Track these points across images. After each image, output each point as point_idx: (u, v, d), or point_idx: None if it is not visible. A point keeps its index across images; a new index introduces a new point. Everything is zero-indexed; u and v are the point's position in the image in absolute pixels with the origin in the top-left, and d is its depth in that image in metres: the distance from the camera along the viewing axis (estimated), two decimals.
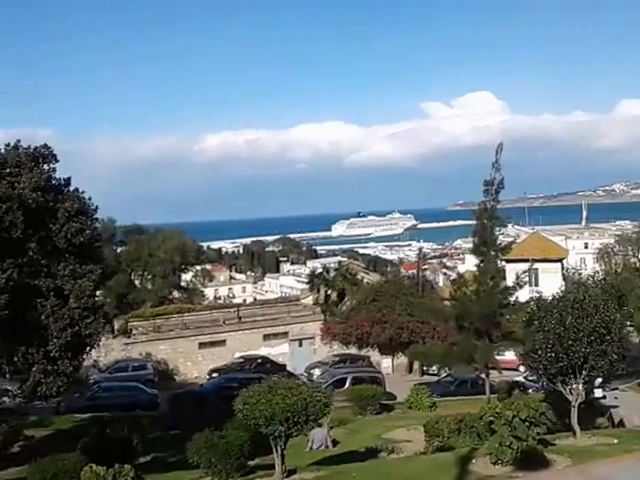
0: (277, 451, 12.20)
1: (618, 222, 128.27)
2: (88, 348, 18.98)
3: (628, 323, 15.37)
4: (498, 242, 20.88)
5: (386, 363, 42.93)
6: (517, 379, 30.59)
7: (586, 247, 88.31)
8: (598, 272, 49.54)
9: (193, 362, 42.63)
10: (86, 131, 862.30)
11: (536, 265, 41.65)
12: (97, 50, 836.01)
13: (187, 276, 67.02)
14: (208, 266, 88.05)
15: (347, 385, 31.91)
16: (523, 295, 21.94)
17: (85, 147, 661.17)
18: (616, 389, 23.93)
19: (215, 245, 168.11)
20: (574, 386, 13.78)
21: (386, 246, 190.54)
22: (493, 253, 20.48)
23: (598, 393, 18.79)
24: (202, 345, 43.06)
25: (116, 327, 44.90)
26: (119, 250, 61.25)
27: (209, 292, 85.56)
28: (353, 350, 42.60)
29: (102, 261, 20.66)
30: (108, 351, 40.28)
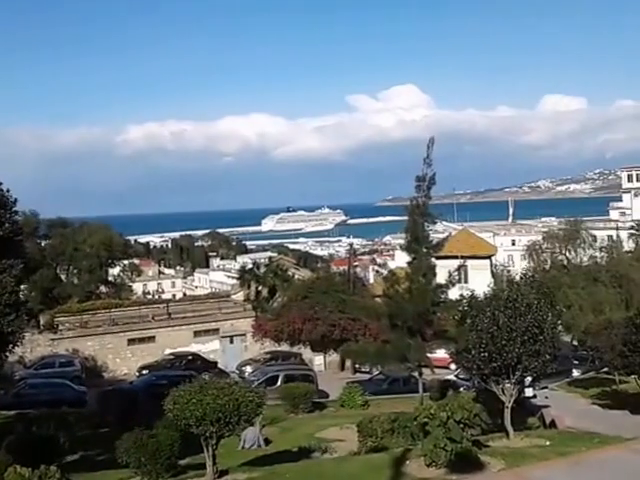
0: (208, 451, 11.82)
1: (544, 219, 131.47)
2: (11, 346, 18.04)
3: (559, 322, 15.60)
4: (430, 239, 20.91)
5: (318, 360, 42.86)
6: (448, 377, 31.05)
7: (513, 244, 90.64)
8: (529, 270, 50.82)
9: (122, 359, 41.46)
10: (3, 119, 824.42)
11: (464, 261, 42.40)
12: (15, 38, 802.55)
13: (114, 271, 65.36)
14: (136, 261, 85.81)
15: (279, 383, 31.55)
16: (453, 292, 22.16)
17: (2, 137, 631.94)
18: (546, 388, 24.52)
19: (143, 239, 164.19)
20: (507, 386, 13.86)
21: (316, 242, 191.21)
22: (425, 250, 20.48)
23: (529, 392, 19.14)
24: (131, 341, 41.97)
25: (42, 322, 43.38)
26: (43, 244, 59.00)
27: (137, 287, 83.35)
28: (285, 347, 42.27)
29: (24, 255, 19.60)
30: (34, 347, 39.03)
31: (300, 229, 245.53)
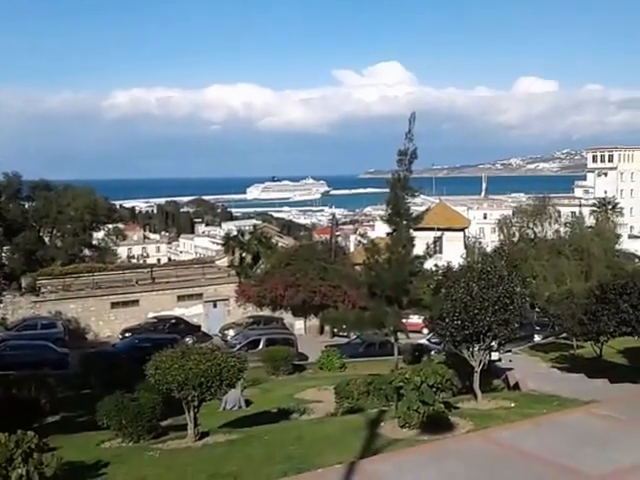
0: (190, 414, 11.84)
1: (514, 194, 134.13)
2: None
3: (527, 292, 15.93)
4: (410, 212, 21.06)
5: (299, 325, 43.25)
6: (421, 342, 31.64)
7: (485, 217, 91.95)
8: (499, 242, 51.58)
9: (105, 321, 41.29)
10: None
11: (441, 233, 42.84)
12: None
13: (99, 234, 64.43)
14: (121, 225, 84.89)
15: (261, 346, 31.86)
16: (428, 262, 22.42)
17: None
18: (510, 352, 25.12)
19: (128, 204, 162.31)
20: (476, 352, 14.20)
21: (300, 211, 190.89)
22: (405, 223, 20.63)
23: (494, 356, 19.54)
24: (114, 305, 41.76)
25: (24, 285, 42.71)
26: (26, 206, 57.88)
27: (122, 251, 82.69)
28: (267, 312, 42.55)
29: (4, 218, 19.17)
30: (15, 309, 38.62)
31: (288, 198, 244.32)
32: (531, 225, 58.04)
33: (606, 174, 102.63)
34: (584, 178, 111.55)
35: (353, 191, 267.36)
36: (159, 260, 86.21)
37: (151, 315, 41.04)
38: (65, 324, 38.13)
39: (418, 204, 39.22)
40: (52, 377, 21.38)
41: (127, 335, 37.21)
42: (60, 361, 29.44)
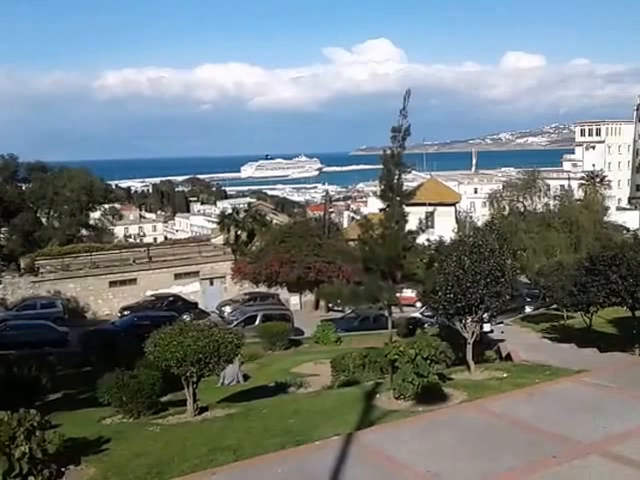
0: (189, 389, 11.85)
1: (504, 169, 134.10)
2: None
3: (518, 265, 15.94)
4: (403, 188, 20.94)
5: (294, 300, 43.30)
6: (414, 315, 31.75)
7: (475, 192, 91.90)
8: (489, 216, 51.71)
9: (104, 300, 41.27)
10: None
11: (432, 208, 42.79)
12: None
13: (95, 215, 64.20)
14: (117, 205, 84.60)
15: (257, 322, 31.91)
16: (420, 237, 22.39)
17: None
18: (501, 323, 25.29)
19: (124, 184, 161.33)
20: (469, 324, 14.23)
21: (293, 188, 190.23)
22: (399, 199, 20.52)
23: (486, 327, 19.65)
24: (112, 284, 41.68)
25: (22, 265, 42.57)
26: (23, 188, 57.54)
27: (119, 231, 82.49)
28: (263, 288, 42.54)
29: (1, 200, 18.96)
30: (14, 289, 38.57)
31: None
32: (521, 199, 58.24)
33: (594, 147, 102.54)
34: (572, 152, 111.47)
35: (345, 168, 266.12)
36: (155, 239, 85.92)
37: (149, 293, 40.99)
38: (64, 303, 38.08)
39: (409, 180, 38.98)
40: (52, 355, 21.43)
41: (126, 313, 37.15)
42: (60, 340, 29.38)
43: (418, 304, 32.18)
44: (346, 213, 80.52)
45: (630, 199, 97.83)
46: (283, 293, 42.75)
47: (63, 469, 7.91)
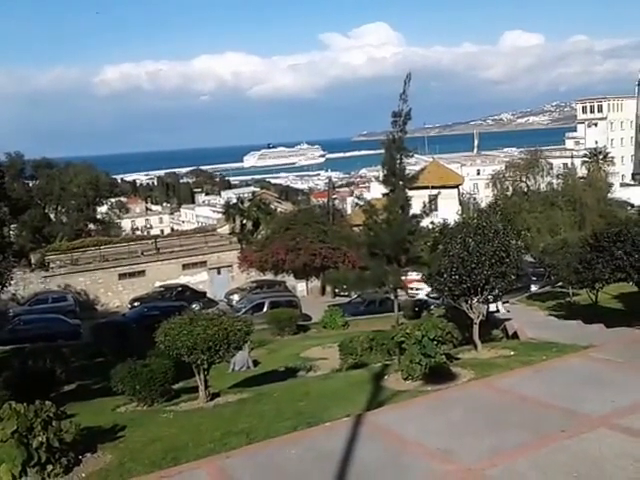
0: (200, 376, 11.95)
1: (506, 149, 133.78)
2: (0, 287, 17.72)
3: (523, 245, 15.90)
4: (406, 172, 20.85)
5: (301, 287, 43.44)
6: (420, 297, 31.77)
7: (478, 173, 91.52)
8: (493, 197, 51.60)
9: (113, 292, 41.58)
10: None
11: (436, 191, 42.64)
12: None
13: (102, 209, 64.57)
14: (123, 198, 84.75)
15: (265, 309, 32.09)
16: (424, 221, 22.34)
17: None
18: (507, 302, 25.25)
19: (129, 177, 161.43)
20: (475, 304, 14.23)
21: (297, 176, 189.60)
22: (402, 183, 20.45)
23: (492, 307, 19.64)
24: (122, 276, 41.98)
25: (33, 261, 42.88)
26: (30, 184, 57.83)
27: (126, 224, 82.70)
28: (269, 276, 42.68)
29: (7, 198, 19.06)
30: (26, 285, 38.88)
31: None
32: (524, 179, 58.06)
33: (596, 124, 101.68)
34: (574, 129, 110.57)
35: (347, 154, 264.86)
36: (162, 231, 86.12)
37: (158, 284, 41.23)
38: (75, 297, 38.44)
39: (412, 164, 38.84)
40: (66, 348, 21.55)
41: (136, 304, 37.46)
42: (73, 332, 29.70)
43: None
44: (350, 199, 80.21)
45: (634, 175, 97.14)
46: (290, 280, 42.87)
47: (80, 457, 8.01)
